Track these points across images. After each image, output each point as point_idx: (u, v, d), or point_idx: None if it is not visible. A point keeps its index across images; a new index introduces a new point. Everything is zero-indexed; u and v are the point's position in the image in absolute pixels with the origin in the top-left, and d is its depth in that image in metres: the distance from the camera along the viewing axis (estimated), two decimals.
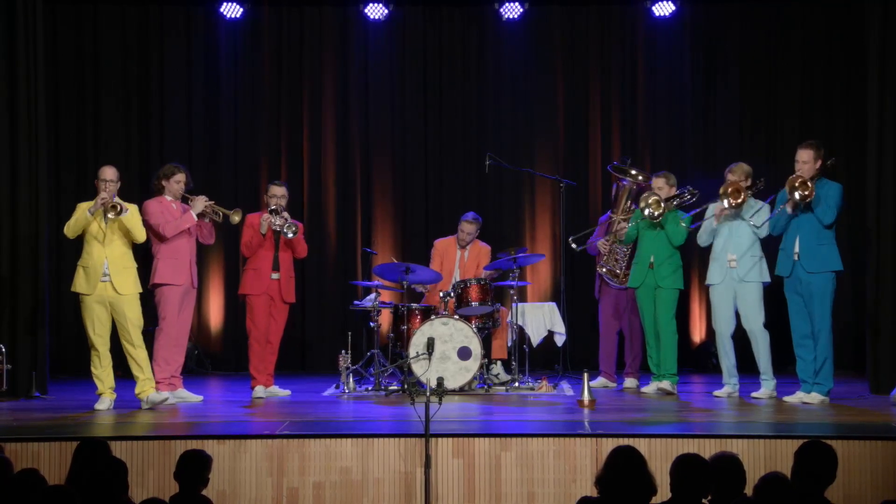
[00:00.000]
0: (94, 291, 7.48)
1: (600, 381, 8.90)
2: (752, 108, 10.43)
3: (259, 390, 8.31)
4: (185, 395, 8.05)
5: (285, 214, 8.28)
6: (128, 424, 7.08)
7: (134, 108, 10.43)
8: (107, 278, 7.48)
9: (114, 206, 7.42)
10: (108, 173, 7.62)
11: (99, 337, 7.52)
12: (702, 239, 8.14)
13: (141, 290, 7.72)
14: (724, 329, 7.99)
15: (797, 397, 7.63)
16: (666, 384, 8.19)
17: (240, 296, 8.57)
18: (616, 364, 8.99)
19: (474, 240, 9.20)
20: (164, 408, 7.66)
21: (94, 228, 7.48)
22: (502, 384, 8.62)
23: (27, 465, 5.87)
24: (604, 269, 8.75)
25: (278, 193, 8.36)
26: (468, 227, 9.14)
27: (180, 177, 8.05)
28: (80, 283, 7.53)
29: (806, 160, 7.53)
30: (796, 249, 7.55)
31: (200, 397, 8.14)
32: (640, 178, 8.80)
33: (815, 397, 7.51)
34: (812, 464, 4.34)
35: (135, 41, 10.41)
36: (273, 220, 8.23)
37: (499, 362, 8.98)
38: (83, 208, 7.52)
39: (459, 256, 9.22)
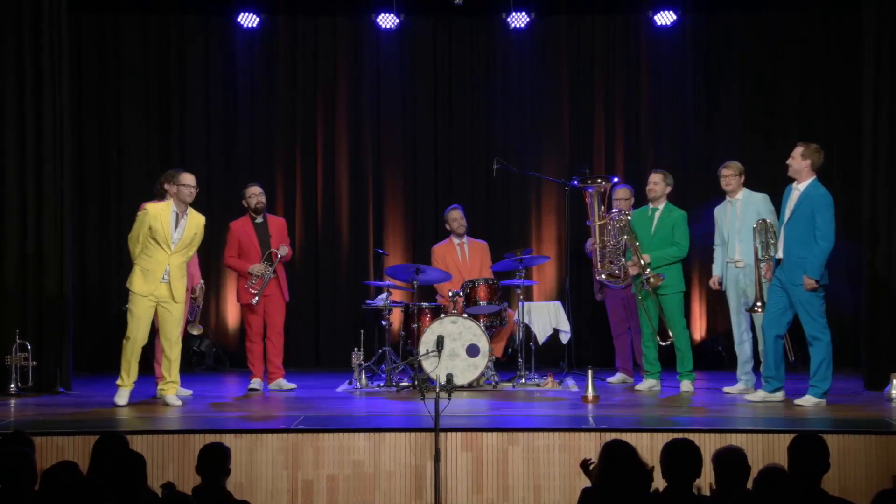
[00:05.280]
0: (152, 292, 7.47)
1: (619, 376, 8.91)
2: (752, 113, 10.40)
3: (255, 382, 8.48)
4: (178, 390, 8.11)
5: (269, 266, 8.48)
6: (148, 419, 7.10)
7: (154, 114, 10.45)
8: (166, 280, 7.50)
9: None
10: (188, 179, 7.66)
11: (141, 332, 7.52)
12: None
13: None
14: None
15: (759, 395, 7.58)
16: (687, 384, 8.19)
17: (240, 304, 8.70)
18: (632, 360, 8.97)
19: (465, 233, 9.24)
20: (183, 399, 7.75)
21: (162, 238, 7.46)
22: (493, 385, 8.50)
23: (52, 457, 5.92)
24: (603, 276, 8.68)
25: (257, 192, 8.59)
26: (457, 213, 9.21)
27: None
28: (137, 283, 7.47)
29: (794, 156, 7.48)
30: (779, 255, 7.43)
31: (190, 392, 8.15)
32: (601, 181, 8.75)
33: (809, 399, 7.42)
34: (804, 454, 4.35)
35: (155, 50, 10.43)
36: (265, 271, 8.42)
37: (491, 362, 8.88)
38: (147, 219, 7.47)
39: (461, 255, 9.23)
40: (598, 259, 8.63)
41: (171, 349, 7.58)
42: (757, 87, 10.37)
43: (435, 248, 9.39)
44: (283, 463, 6.25)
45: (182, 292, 7.58)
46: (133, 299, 7.50)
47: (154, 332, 7.74)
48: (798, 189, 7.44)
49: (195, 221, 7.64)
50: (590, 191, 8.66)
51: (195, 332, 8.61)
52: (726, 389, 8.05)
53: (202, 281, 8.55)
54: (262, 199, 8.58)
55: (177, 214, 7.54)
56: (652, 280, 8.08)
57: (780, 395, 7.50)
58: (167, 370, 7.60)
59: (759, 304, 7.54)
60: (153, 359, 8.06)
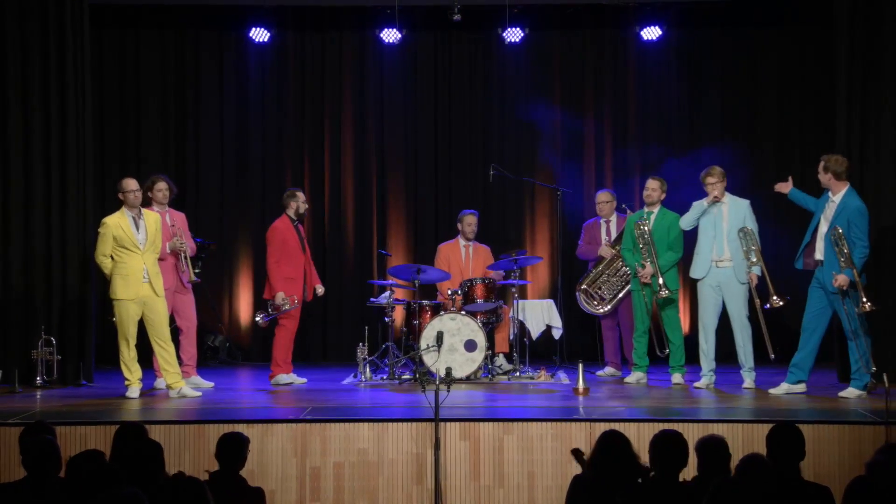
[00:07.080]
0: (137, 295, 7.50)
1: (608, 370, 8.92)
2: (733, 121, 10.40)
3: (283, 377, 8.45)
4: (199, 382, 8.14)
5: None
6: (165, 410, 7.12)
7: (171, 124, 10.44)
8: (147, 279, 7.53)
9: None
10: (131, 185, 7.68)
11: (133, 335, 7.56)
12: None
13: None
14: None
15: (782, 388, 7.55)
16: (678, 377, 8.18)
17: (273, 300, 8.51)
18: (620, 354, 8.97)
19: (474, 237, 9.26)
20: (203, 391, 7.79)
21: (129, 243, 7.50)
22: (504, 373, 8.65)
23: (75, 445, 5.93)
24: (579, 291, 8.76)
25: (305, 199, 8.71)
26: (472, 219, 9.23)
27: (161, 185, 8.17)
28: (121, 290, 7.52)
29: (819, 170, 7.44)
30: (819, 257, 7.41)
31: (211, 384, 8.19)
32: (629, 211, 8.81)
33: (852, 391, 7.41)
34: (782, 443, 4.36)
35: (172, 63, 10.43)
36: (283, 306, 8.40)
37: (501, 354, 9.01)
38: (109, 232, 7.50)
39: (465, 256, 9.24)
40: (591, 279, 8.68)
41: (167, 345, 7.62)
42: (737, 97, 10.38)
43: (441, 247, 9.40)
44: (292, 451, 6.27)
45: (161, 286, 7.64)
46: (120, 305, 7.53)
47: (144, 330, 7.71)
48: (833, 201, 7.39)
49: (153, 218, 7.72)
50: (622, 217, 8.68)
51: (193, 280, 8.20)
52: (697, 384, 8.02)
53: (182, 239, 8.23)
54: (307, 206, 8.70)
55: (133, 218, 7.58)
56: (664, 294, 8.08)
57: (802, 387, 7.54)
58: (168, 365, 7.61)
59: (775, 298, 7.48)
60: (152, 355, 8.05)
